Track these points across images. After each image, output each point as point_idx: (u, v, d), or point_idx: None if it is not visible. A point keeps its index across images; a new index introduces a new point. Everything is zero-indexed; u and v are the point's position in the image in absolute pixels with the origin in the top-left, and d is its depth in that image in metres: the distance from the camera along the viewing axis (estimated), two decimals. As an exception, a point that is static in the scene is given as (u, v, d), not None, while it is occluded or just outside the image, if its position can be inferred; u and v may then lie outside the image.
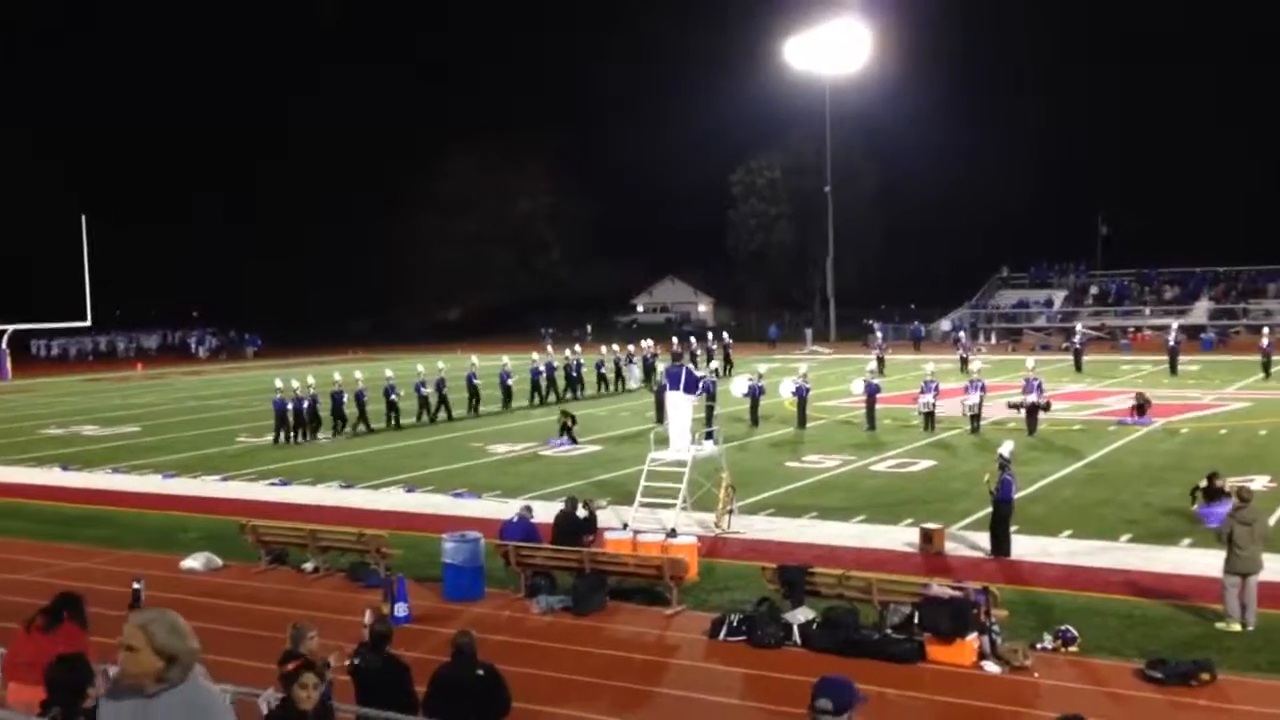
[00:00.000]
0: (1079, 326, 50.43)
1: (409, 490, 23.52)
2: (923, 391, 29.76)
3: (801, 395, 30.97)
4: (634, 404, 37.86)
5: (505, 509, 19.10)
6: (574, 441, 28.60)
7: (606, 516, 18.33)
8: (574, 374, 40.39)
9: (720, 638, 13.27)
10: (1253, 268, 69.36)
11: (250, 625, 14.14)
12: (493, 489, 23.08)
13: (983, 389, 29.49)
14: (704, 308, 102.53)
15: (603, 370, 41.82)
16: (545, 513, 17.14)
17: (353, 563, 16.65)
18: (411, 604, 14.42)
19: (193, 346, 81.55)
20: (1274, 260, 69.02)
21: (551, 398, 38.59)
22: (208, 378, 58.92)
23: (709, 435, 20.53)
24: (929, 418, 29.37)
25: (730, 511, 18.84)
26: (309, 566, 16.87)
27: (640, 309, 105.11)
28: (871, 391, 30.49)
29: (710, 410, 28.36)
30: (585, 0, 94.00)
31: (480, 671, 8.83)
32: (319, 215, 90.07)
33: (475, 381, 36.49)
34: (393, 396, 33.26)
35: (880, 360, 44.62)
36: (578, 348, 43.02)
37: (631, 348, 44.08)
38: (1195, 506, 18.14)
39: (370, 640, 9.07)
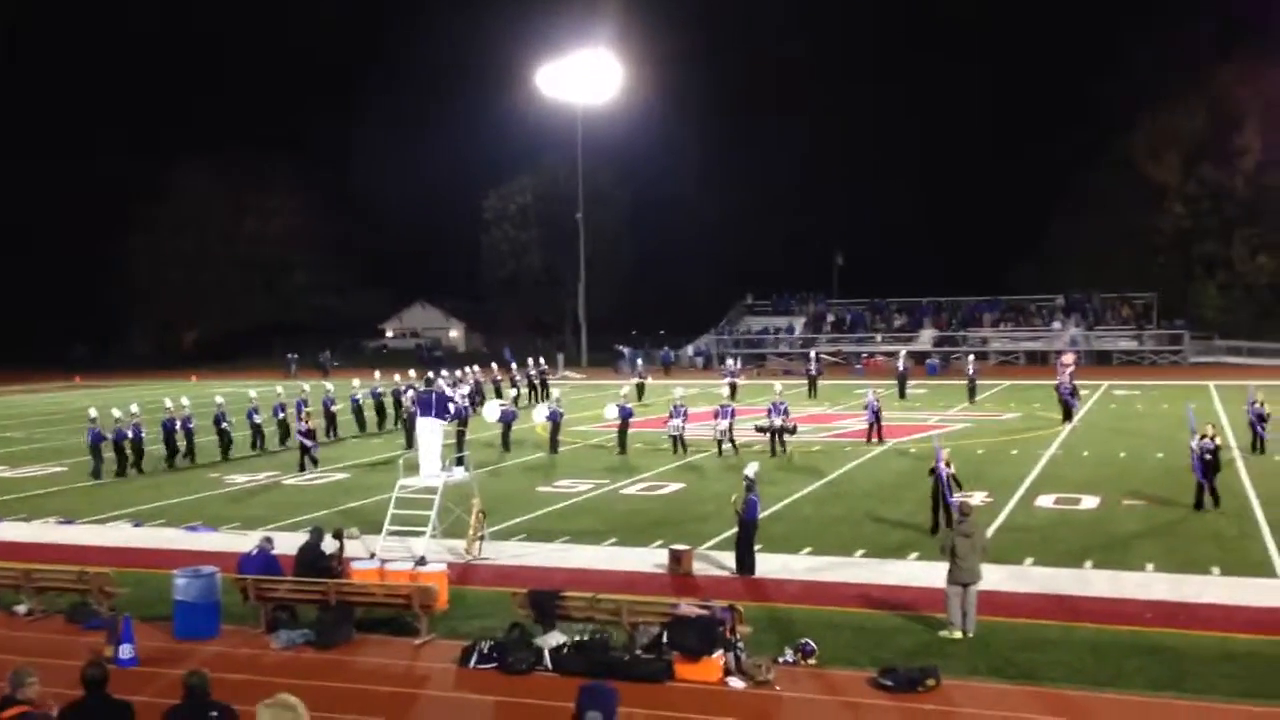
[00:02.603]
0: (813, 353, 52.91)
1: (137, 525, 22.14)
2: (672, 416, 30.43)
3: (554, 420, 31.09)
4: (387, 431, 37.00)
5: (244, 541, 18.27)
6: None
7: (354, 546, 17.77)
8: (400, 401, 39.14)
9: (470, 666, 13.08)
10: (972, 298, 74.69)
11: (-48, 676, 12.89)
12: (231, 521, 22.04)
13: (731, 413, 30.44)
14: (455, 333, 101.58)
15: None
16: (290, 545, 16.47)
17: (73, 603, 15.52)
18: (139, 644, 13.55)
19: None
20: (989, 291, 74.69)
21: (384, 426, 37.32)
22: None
23: (459, 461, 20.28)
24: (678, 441, 30.04)
25: (481, 538, 18.65)
26: (23, 609, 15.61)
27: (390, 334, 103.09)
28: (624, 416, 30.92)
29: (461, 436, 28.04)
30: (338, 17, 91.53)
31: (214, 713, 8.40)
32: (35, 235, 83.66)
33: (333, 408, 35.27)
34: (223, 425, 31.41)
35: (640, 386, 45.27)
36: (412, 373, 41.61)
37: (459, 373, 42.68)
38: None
39: (83, 685, 8.41)
